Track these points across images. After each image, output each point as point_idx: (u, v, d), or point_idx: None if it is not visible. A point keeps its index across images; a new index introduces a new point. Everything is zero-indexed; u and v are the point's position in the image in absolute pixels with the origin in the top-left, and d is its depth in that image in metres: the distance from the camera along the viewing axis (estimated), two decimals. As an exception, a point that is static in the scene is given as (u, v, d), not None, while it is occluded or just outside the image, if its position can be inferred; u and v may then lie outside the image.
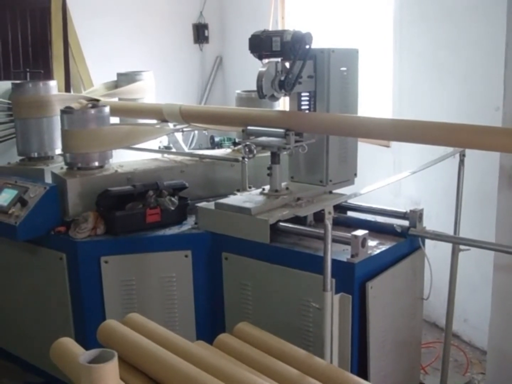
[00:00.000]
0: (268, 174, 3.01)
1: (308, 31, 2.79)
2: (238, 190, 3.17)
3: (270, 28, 5.74)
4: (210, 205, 3.00)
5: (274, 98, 2.86)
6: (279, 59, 2.82)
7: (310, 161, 3.10)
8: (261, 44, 2.79)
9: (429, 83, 4.40)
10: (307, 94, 3.00)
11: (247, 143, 2.92)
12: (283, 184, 3.08)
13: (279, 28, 6.08)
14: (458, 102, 4.13)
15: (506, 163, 3.06)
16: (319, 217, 2.88)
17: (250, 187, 3.20)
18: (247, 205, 2.86)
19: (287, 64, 2.81)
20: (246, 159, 3.15)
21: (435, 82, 4.34)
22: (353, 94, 3.07)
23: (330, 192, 3.13)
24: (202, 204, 3.04)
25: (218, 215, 2.94)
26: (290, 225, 2.80)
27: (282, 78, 2.78)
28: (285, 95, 2.88)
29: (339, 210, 3.07)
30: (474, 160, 3.11)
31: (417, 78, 4.52)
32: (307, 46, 2.79)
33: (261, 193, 3.04)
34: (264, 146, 2.98)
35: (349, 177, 3.19)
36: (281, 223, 2.79)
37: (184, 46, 6.95)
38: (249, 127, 3.01)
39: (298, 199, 2.95)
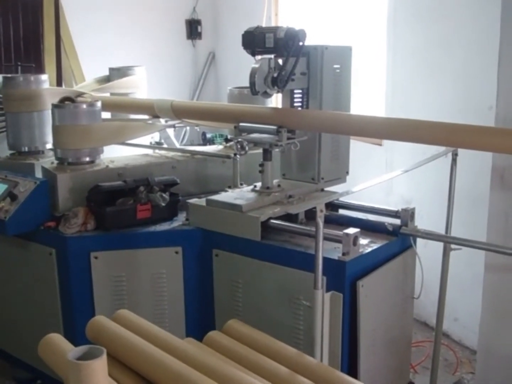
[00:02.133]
0: (260, 171, 3.00)
1: (302, 28, 2.78)
2: (230, 187, 3.16)
3: (264, 25, 5.72)
4: (201, 201, 2.99)
5: (266, 94, 2.85)
6: (272, 56, 2.81)
7: (302, 158, 3.09)
8: (254, 41, 2.78)
9: (422, 81, 4.40)
10: (300, 91, 2.99)
11: (239, 139, 2.91)
12: (275, 181, 3.07)
13: (273, 24, 6.07)
14: (451, 101, 4.13)
15: (498, 163, 3.07)
16: (310, 214, 2.86)
17: (241, 184, 3.20)
18: (238, 202, 2.85)
19: (280, 61, 2.80)
20: (238, 156, 3.15)
21: (428, 80, 4.34)
22: (346, 92, 3.06)
23: (322, 190, 3.12)
24: (193, 201, 3.03)
25: (209, 212, 2.93)
26: (281, 223, 2.79)
27: (275, 74, 2.77)
28: (278, 92, 2.87)
29: (330, 208, 3.07)
30: (466, 160, 3.10)
31: (410, 76, 4.52)
32: (301, 43, 2.78)
33: (253, 190, 3.03)
34: (256, 143, 2.97)
35: (341, 175, 3.18)
36: (272, 221, 2.78)
37: (176, 41, 6.93)
38: (241, 124, 3.00)
39: (290, 196, 2.95)
